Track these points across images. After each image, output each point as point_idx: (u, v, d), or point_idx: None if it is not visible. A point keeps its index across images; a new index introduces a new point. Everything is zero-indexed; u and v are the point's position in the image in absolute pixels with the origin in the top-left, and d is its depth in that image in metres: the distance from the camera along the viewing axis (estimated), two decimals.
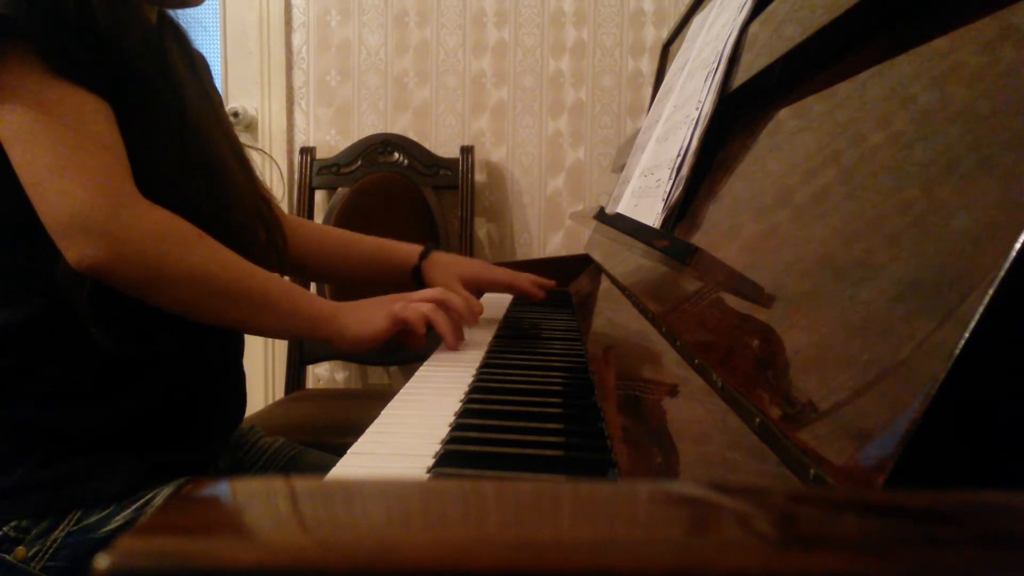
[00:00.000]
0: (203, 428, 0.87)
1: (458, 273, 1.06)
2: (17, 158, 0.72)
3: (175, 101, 0.83)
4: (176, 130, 0.82)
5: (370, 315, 0.84)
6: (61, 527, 0.75)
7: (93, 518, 0.75)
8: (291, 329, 0.85)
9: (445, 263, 1.08)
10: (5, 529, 0.75)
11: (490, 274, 1.11)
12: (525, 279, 1.11)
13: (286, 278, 1.00)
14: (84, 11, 0.73)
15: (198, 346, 0.85)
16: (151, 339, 0.79)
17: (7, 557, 0.75)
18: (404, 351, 1.90)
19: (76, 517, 0.75)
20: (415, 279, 1.07)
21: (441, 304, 0.87)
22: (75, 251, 0.72)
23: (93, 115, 0.74)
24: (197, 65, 0.94)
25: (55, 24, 0.71)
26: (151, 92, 0.80)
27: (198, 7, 0.90)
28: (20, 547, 0.75)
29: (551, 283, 1.01)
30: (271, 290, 0.82)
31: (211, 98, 0.95)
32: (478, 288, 1.09)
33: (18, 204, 0.74)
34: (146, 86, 0.80)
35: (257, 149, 0.98)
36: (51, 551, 0.75)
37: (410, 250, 1.10)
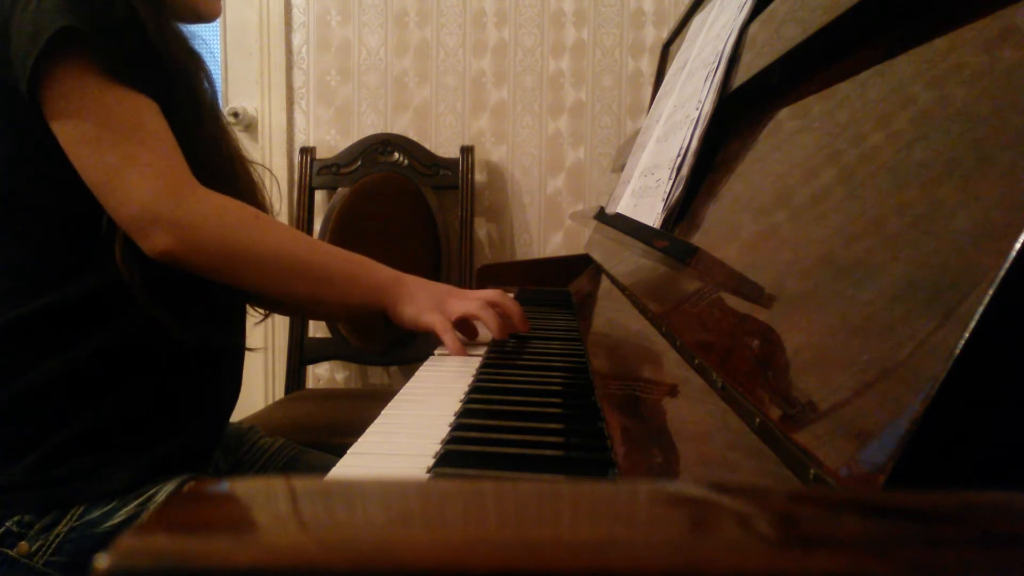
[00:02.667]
0: (201, 417, 0.88)
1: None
2: (84, 161, 0.76)
3: (199, 104, 0.87)
4: (200, 131, 0.86)
5: (424, 306, 0.88)
6: (64, 522, 0.75)
7: (95, 513, 0.76)
8: (355, 298, 0.89)
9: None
10: (8, 524, 0.75)
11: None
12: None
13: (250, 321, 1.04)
14: (132, 19, 0.77)
15: (217, 330, 0.88)
16: (191, 322, 0.83)
17: (10, 552, 0.75)
18: (404, 351, 1.90)
19: (79, 512, 0.76)
20: (386, 324, 1.08)
21: (493, 304, 0.90)
22: (150, 241, 0.77)
23: (149, 114, 0.78)
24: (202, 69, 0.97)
25: (109, 31, 0.76)
26: (182, 95, 0.84)
27: None
28: (23, 542, 0.75)
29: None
30: (334, 261, 0.87)
31: (215, 102, 0.98)
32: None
33: (23, 201, 0.77)
34: (184, 88, 0.84)
35: (258, 164, 1.00)
36: (53, 546, 0.75)
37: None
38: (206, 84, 0.90)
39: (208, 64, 1.01)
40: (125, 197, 0.76)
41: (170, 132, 0.80)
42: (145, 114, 0.78)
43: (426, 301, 0.88)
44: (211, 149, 0.87)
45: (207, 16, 0.92)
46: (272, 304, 1.06)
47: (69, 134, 0.76)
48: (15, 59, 0.74)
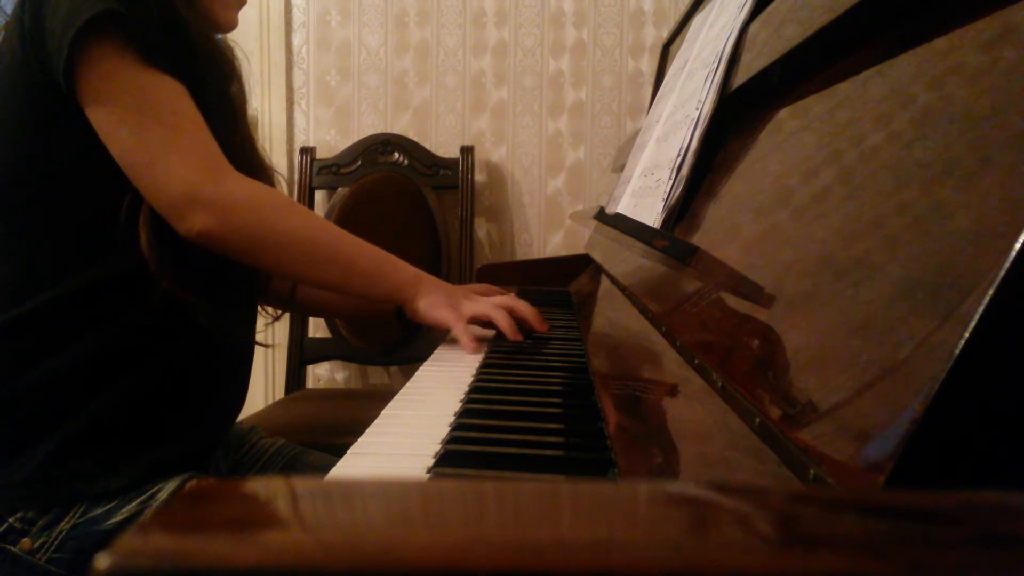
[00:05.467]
0: (206, 417, 0.88)
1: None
2: (123, 141, 0.77)
3: (231, 95, 0.90)
4: (234, 122, 0.89)
5: (440, 302, 0.91)
6: (66, 519, 0.75)
7: (98, 511, 0.76)
8: (375, 291, 0.91)
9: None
10: (11, 521, 0.75)
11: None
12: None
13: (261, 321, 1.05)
14: (169, 10, 0.79)
15: (231, 319, 0.89)
16: (208, 311, 0.84)
17: (12, 549, 0.75)
18: (404, 351, 1.90)
19: (81, 510, 0.76)
20: (399, 318, 1.07)
21: (506, 307, 0.92)
22: (188, 222, 0.78)
23: (184, 100, 0.79)
24: None
25: (146, 16, 0.76)
26: (216, 84, 0.86)
27: None
28: (26, 539, 0.75)
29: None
30: (359, 254, 0.89)
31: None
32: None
33: (33, 198, 0.78)
34: (216, 85, 0.86)
35: (276, 172, 1.03)
36: (56, 543, 0.75)
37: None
38: (236, 87, 0.92)
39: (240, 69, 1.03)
40: (166, 178, 0.77)
41: (202, 118, 0.81)
42: (182, 99, 0.79)
43: (442, 299, 0.91)
44: (237, 148, 0.88)
45: (224, 27, 0.93)
46: (285, 302, 1.08)
47: (108, 116, 0.76)
48: (50, 40, 0.74)
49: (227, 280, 0.86)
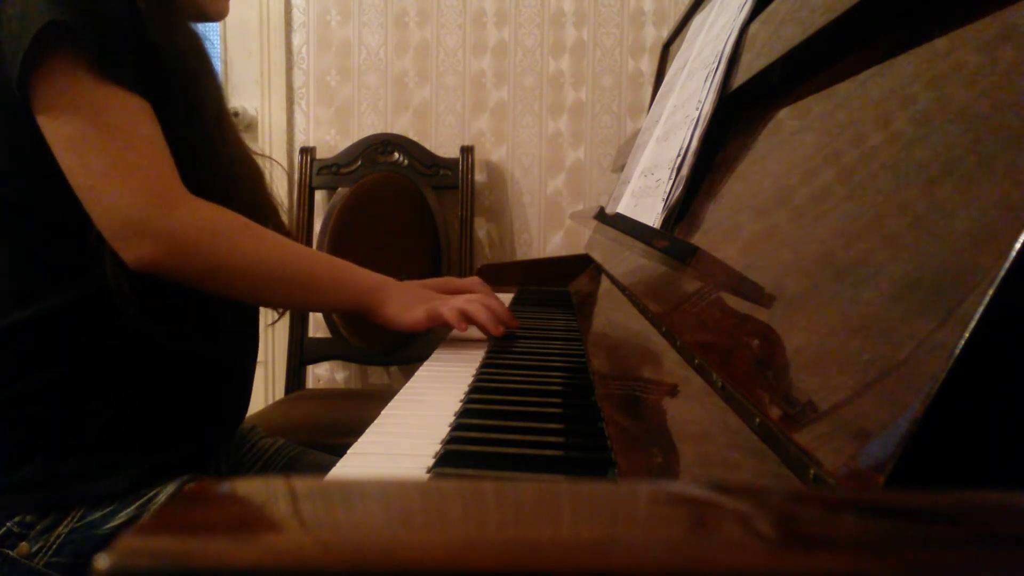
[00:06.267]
0: (205, 424, 0.87)
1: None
2: (68, 162, 0.74)
3: (208, 104, 0.85)
4: (210, 131, 0.84)
5: (410, 303, 0.88)
6: (64, 523, 0.75)
7: (96, 515, 0.76)
8: (339, 303, 0.90)
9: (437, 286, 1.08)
10: (9, 525, 0.75)
11: (454, 286, 1.09)
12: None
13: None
14: (130, 17, 0.75)
15: (217, 344, 0.87)
16: (186, 335, 0.82)
17: (10, 553, 0.75)
18: (404, 351, 1.90)
19: (79, 514, 0.76)
20: None
21: (480, 302, 0.90)
22: (132, 252, 0.74)
23: (141, 116, 0.75)
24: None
25: (103, 28, 0.73)
26: (188, 95, 0.82)
27: None
28: (23, 543, 0.75)
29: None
30: (317, 269, 0.86)
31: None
32: None
33: (26, 206, 0.76)
34: (184, 90, 0.82)
35: (262, 155, 0.99)
36: (54, 547, 0.75)
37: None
38: (212, 85, 0.88)
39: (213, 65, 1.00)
40: (110, 204, 0.74)
41: (161, 136, 0.77)
42: (136, 116, 0.75)
43: (411, 301, 0.88)
44: (212, 151, 0.85)
45: (214, 16, 0.90)
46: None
47: (56, 133, 0.73)
48: (6, 53, 0.72)
49: (208, 302, 0.82)
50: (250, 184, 0.93)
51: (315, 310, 0.93)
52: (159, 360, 0.81)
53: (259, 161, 0.99)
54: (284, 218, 1.04)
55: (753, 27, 0.68)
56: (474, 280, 0.99)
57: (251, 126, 2.06)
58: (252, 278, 0.81)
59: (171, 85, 0.79)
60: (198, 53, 0.85)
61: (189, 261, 0.77)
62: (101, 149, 0.73)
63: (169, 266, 0.76)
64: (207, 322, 0.85)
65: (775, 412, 0.33)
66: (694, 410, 0.45)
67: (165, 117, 0.78)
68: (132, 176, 0.74)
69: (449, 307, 0.87)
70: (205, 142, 0.84)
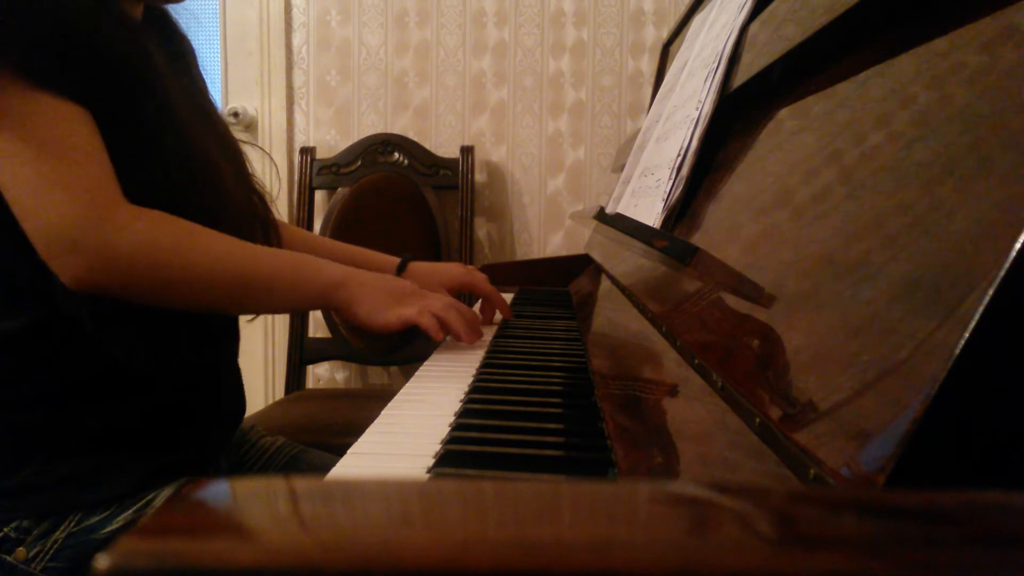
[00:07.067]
0: (202, 430, 0.87)
1: (442, 282, 1.04)
2: (0, 179, 0.70)
3: (159, 102, 0.79)
4: (163, 131, 0.79)
5: (382, 305, 0.83)
6: (62, 528, 0.75)
7: (94, 519, 0.75)
8: (301, 302, 0.85)
9: (426, 273, 1.07)
10: (6, 530, 0.75)
11: (473, 279, 1.08)
12: (501, 298, 1.09)
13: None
14: (60, 18, 0.70)
15: (196, 351, 0.84)
16: (155, 350, 0.79)
17: (7, 558, 0.75)
18: (404, 351, 1.90)
19: (77, 518, 0.75)
20: None
21: (455, 308, 0.86)
22: (68, 271, 0.70)
23: (74, 124, 0.71)
24: (184, 55, 0.91)
25: (30, 34, 0.69)
26: (135, 95, 0.77)
27: (185, 4, 0.88)
28: (21, 548, 0.75)
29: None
30: (275, 269, 0.80)
31: (196, 92, 0.91)
32: (466, 295, 1.09)
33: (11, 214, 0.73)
34: (129, 89, 0.76)
35: (255, 146, 0.96)
36: (52, 552, 0.74)
37: (386, 263, 1.08)
38: (177, 82, 0.82)
39: (193, 49, 0.94)
40: (41, 220, 0.69)
41: (99, 142, 0.72)
42: (70, 125, 0.70)
43: (383, 300, 0.83)
44: (170, 152, 0.79)
45: None
46: None
47: None
48: None
49: (179, 313, 0.78)
50: (220, 183, 0.87)
51: (279, 312, 0.89)
52: (151, 367, 0.80)
53: (255, 158, 0.96)
54: (277, 214, 1.02)
55: (753, 27, 0.68)
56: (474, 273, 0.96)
57: (251, 126, 2.06)
58: (202, 287, 0.76)
59: (102, 91, 0.74)
60: (134, 55, 0.78)
61: (129, 276, 0.72)
62: (31, 163, 0.69)
63: (108, 283, 0.71)
64: (184, 330, 0.81)
65: (775, 412, 0.33)
66: (694, 410, 0.45)
67: (111, 121, 0.74)
68: (64, 190, 0.69)
69: (424, 314, 0.83)
70: (157, 142, 0.78)
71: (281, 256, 0.83)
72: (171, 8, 0.90)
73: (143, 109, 0.77)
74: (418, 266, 1.08)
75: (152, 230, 0.73)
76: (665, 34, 1.60)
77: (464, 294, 1.09)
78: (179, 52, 0.90)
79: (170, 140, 0.79)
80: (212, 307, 0.80)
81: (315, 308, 0.86)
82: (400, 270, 1.07)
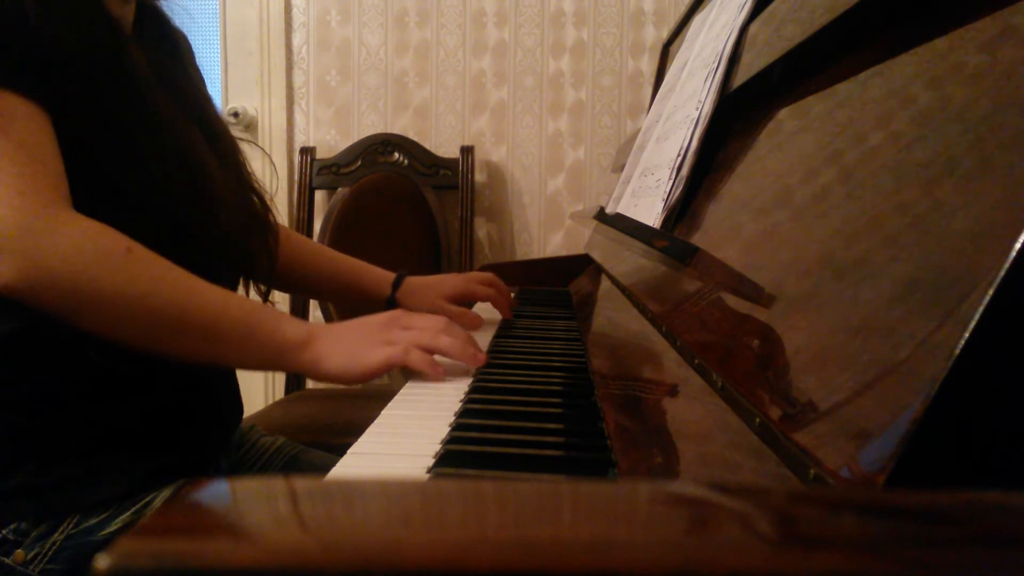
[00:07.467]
0: (200, 431, 0.87)
1: (440, 294, 1.04)
2: None
3: (133, 100, 0.76)
4: (137, 130, 0.76)
5: (359, 347, 0.73)
6: (60, 530, 0.75)
7: (92, 521, 0.75)
8: (252, 359, 0.75)
9: (423, 287, 1.05)
10: (4, 532, 0.75)
11: (472, 288, 1.08)
12: (501, 299, 1.08)
13: (253, 297, 0.90)
14: (15, 11, 0.68)
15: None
16: (132, 355, 0.75)
17: (6, 560, 0.75)
18: None
19: (75, 520, 0.75)
20: (389, 307, 1.01)
21: (444, 331, 0.77)
22: None
23: (21, 121, 0.68)
24: (178, 53, 0.90)
25: None
26: (103, 93, 0.74)
27: (183, 3, 0.87)
28: (19, 550, 0.74)
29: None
30: (220, 313, 0.72)
31: (188, 90, 0.89)
32: (467, 302, 1.09)
33: None
34: (96, 87, 0.74)
35: (255, 145, 0.94)
36: (50, 554, 0.74)
37: (381, 278, 1.06)
38: (164, 82, 0.78)
39: (189, 44, 0.92)
40: None
41: (48, 143, 0.69)
42: (14, 120, 0.67)
43: (358, 343, 0.74)
44: (158, 149, 0.76)
45: None
46: (266, 277, 0.96)
47: None
48: None
49: None
50: (207, 181, 0.84)
51: (224, 366, 0.81)
52: (146, 369, 0.80)
53: (254, 158, 0.95)
54: (278, 215, 1.00)
55: (753, 27, 0.68)
56: (480, 275, 0.96)
57: (251, 126, 2.06)
58: (128, 315, 0.69)
59: (82, 84, 0.71)
60: (115, 48, 0.75)
61: (46, 287, 0.66)
62: None
63: (26, 292, 0.66)
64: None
65: (775, 412, 0.33)
66: (694, 410, 0.45)
67: (78, 120, 0.71)
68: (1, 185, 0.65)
69: (411, 351, 0.73)
70: (131, 141, 0.75)
71: (233, 300, 0.74)
72: (169, 6, 0.89)
73: (114, 107, 0.74)
74: (414, 281, 1.07)
75: (81, 241, 0.67)
76: (665, 34, 1.60)
77: (468, 301, 1.09)
78: (172, 50, 0.89)
79: (146, 138, 0.76)
80: (138, 341, 0.71)
81: (270, 370, 0.77)
82: (396, 286, 1.06)
